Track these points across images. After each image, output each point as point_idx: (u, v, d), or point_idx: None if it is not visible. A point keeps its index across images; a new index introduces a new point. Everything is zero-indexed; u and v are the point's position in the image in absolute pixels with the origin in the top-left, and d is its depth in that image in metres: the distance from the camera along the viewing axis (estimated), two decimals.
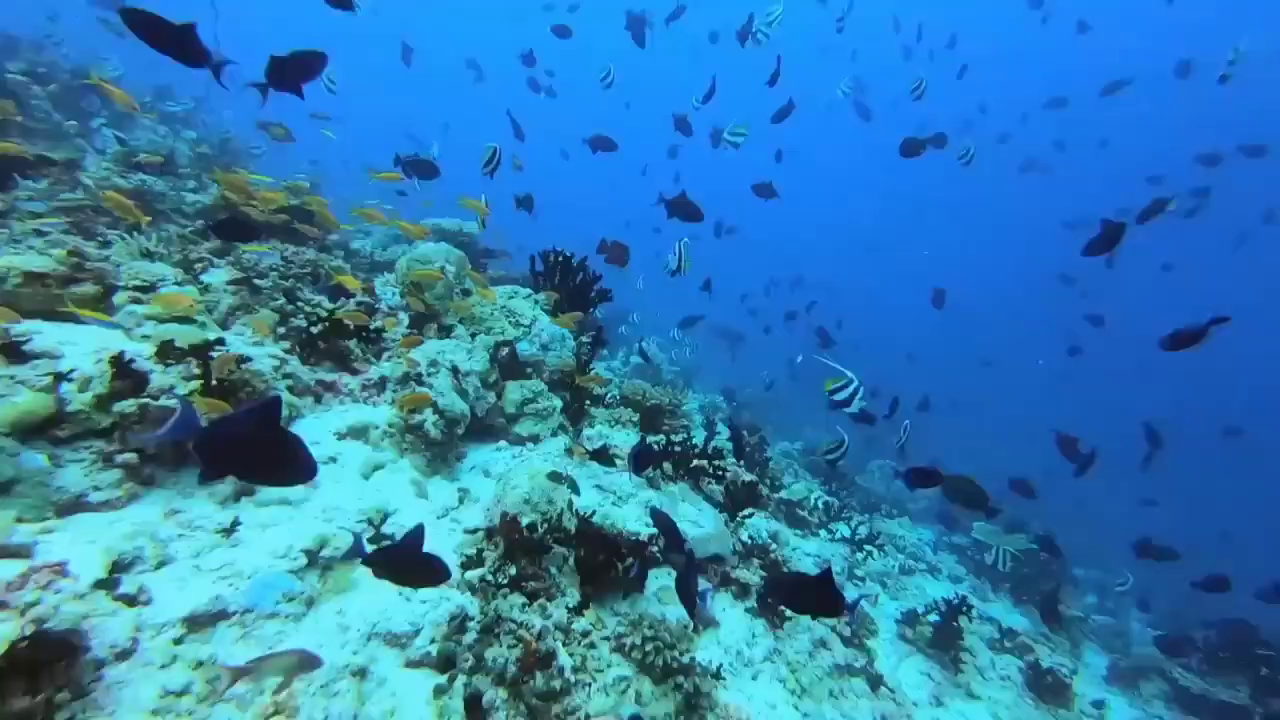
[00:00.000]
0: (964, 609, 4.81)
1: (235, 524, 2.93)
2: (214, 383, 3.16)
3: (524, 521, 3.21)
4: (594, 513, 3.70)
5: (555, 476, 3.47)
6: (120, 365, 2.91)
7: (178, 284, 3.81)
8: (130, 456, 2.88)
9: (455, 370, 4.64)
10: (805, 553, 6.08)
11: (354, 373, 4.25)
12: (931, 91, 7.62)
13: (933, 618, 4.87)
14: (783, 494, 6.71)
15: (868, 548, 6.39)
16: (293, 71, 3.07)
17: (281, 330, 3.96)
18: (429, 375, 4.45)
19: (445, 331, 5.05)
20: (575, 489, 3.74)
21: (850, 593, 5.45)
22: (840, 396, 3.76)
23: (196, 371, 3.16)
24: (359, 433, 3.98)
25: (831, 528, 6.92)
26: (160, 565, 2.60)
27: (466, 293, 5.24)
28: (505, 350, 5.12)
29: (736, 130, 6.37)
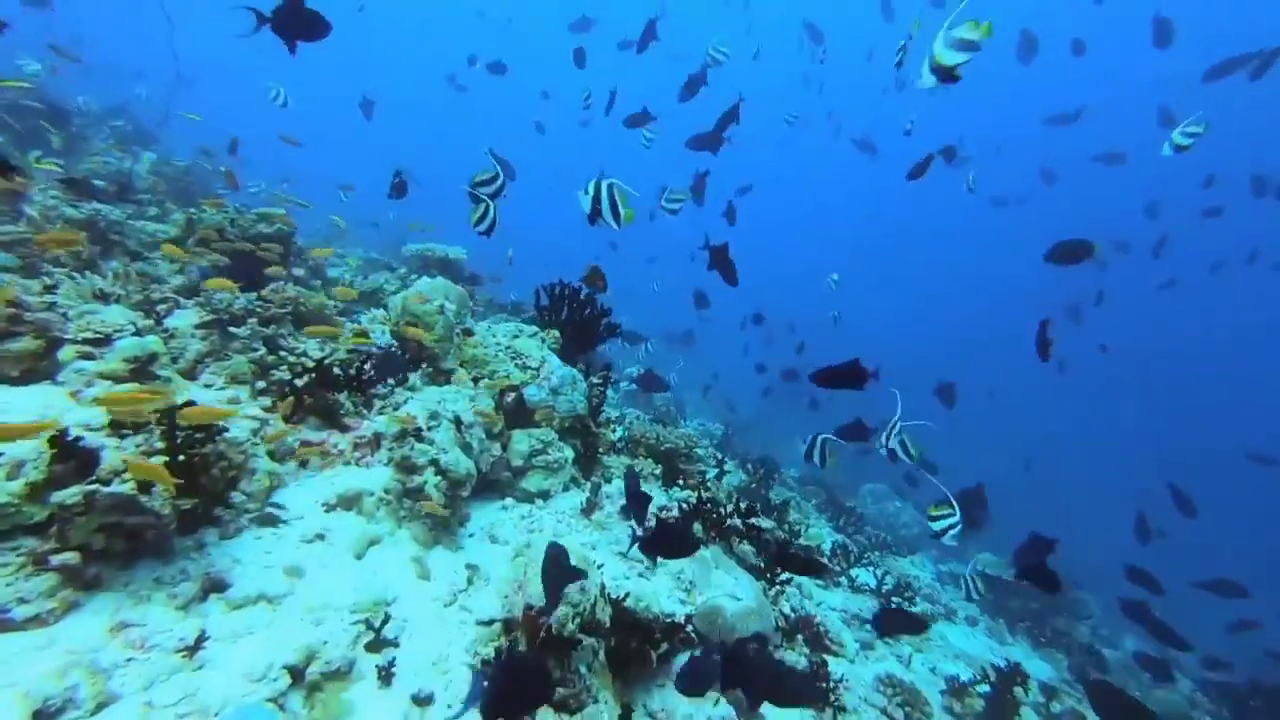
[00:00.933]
0: (1018, 679, 4.42)
1: (201, 638, 2.38)
2: (180, 457, 2.62)
3: (553, 618, 2.72)
4: (626, 595, 3.22)
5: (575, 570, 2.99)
6: (61, 444, 2.36)
7: (138, 332, 3.27)
8: (70, 557, 2.32)
9: (458, 422, 4.14)
10: (831, 607, 5.64)
11: (344, 429, 3.72)
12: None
13: (982, 689, 4.46)
14: (801, 540, 6.28)
15: (896, 600, 5.97)
16: (299, 23, 2.95)
17: (261, 385, 3.43)
18: (429, 429, 3.94)
19: (445, 376, 4.55)
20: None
21: (889, 660, 5.01)
22: (940, 526, 3.39)
23: (160, 444, 2.62)
24: (350, 502, 3.44)
25: (851, 574, 6.50)
26: (100, 708, 2.04)
27: (468, 332, 4.76)
28: (511, 396, 4.64)
29: (674, 196, 5.78)
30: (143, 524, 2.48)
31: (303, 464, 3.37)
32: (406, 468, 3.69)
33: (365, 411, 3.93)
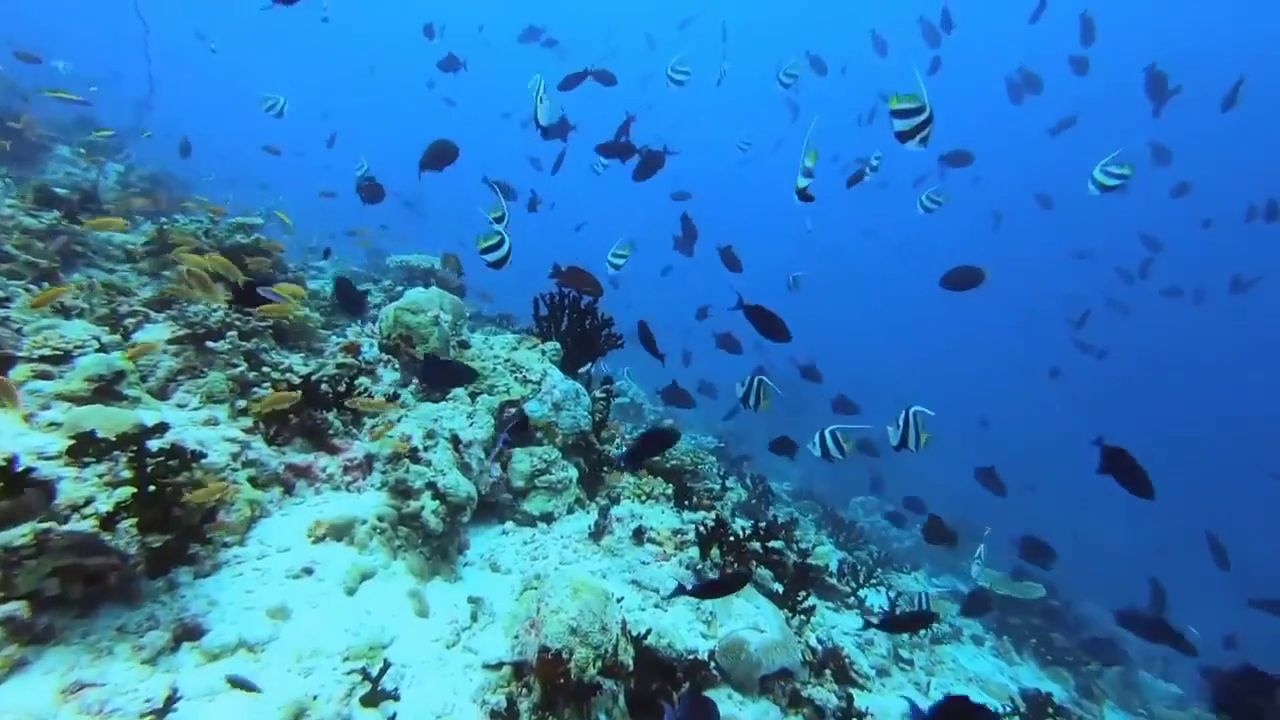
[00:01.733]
0: (1051, 709, 4.22)
1: (171, 698, 2.06)
2: (151, 487, 2.31)
3: (573, 663, 2.44)
4: (648, 632, 2.95)
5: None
6: (9, 475, 2.05)
7: (102, 349, 2.95)
8: (15, 608, 2.00)
9: (456, 440, 3.85)
10: (844, 631, 5.40)
11: (333, 451, 3.41)
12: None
13: None
14: (811, 560, 6.05)
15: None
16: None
17: (241, 404, 3.12)
18: (426, 449, 3.65)
19: (440, 392, 4.26)
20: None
21: (907, 688, 4.78)
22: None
23: (127, 474, 2.31)
24: (341, 531, 3.13)
25: (860, 594, 6.28)
26: None
27: (464, 344, 4.48)
28: (512, 412, 4.36)
29: (618, 252, 5.64)
30: (105, 566, 2.16)
31: (287, 490, 3.06)
32: (401, 492, 3.40)
33: (356, 431, 3.63)
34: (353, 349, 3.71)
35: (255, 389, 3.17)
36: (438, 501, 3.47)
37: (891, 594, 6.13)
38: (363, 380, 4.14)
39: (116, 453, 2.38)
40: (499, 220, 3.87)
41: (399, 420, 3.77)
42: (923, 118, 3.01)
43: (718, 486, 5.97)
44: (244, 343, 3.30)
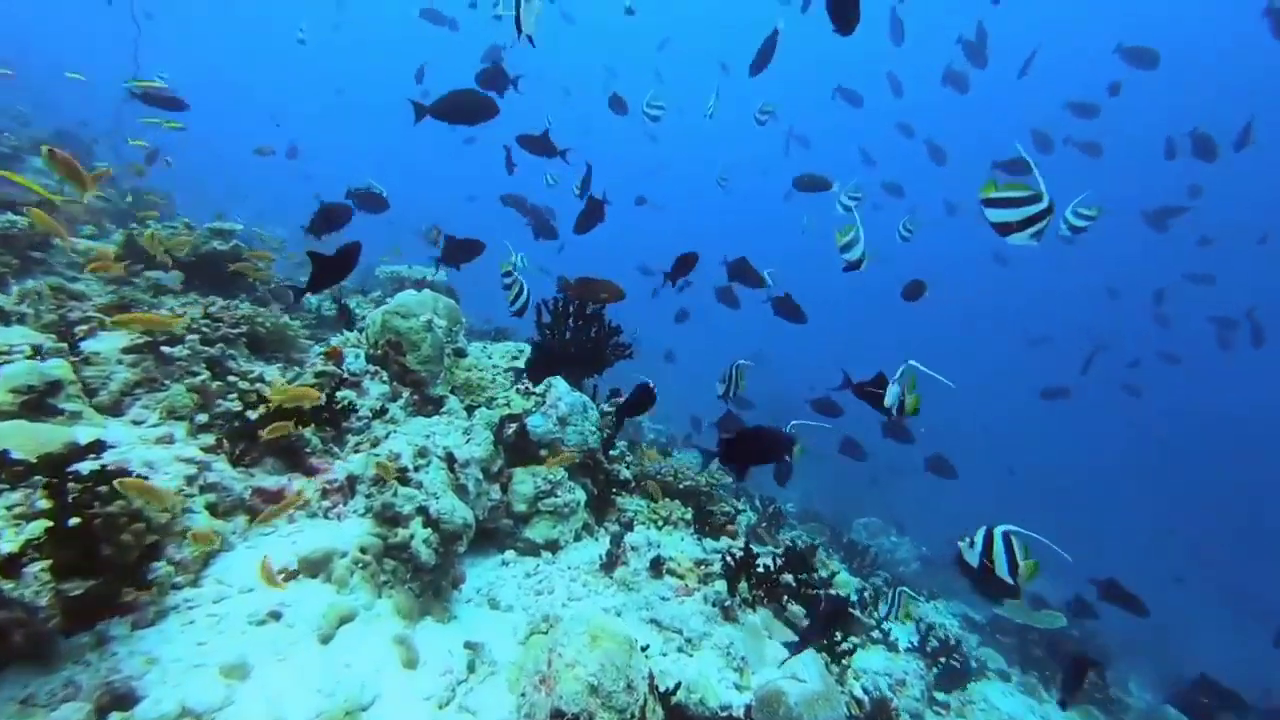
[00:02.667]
0: None
1: None
2: (73, 522, 1.87)
3: None
4: (678, 686, 2.51)
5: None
6: None
7: (37, 356, 2.52)
8: None
9: (451, 459, 3.42)
10: (875, 672, 4.93)
11: (310, 472, 2.97)
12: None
13: None
14: (834, 590, 5.60)
15: (945, 660, 5.31)
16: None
17: (203, 419, 2.68)
18: (416, 470, 3.22)
19: (434, 405, 3.84)
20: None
21: None
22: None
23: (45, 504, 1.87)
24: (316, 566, 2.68)
25: (885, 628, 5.82)
26: None
27: (460, 353, 4.07)
28: (513, 427, 3.94)
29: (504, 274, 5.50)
30: (8, 621, 1.72)
31: (255, 519, 2.61)
32: (388, 519, 2.96)
33: (337, 449, 3.19)
34: (334, 355, 3.29)
35: (220, 402, 2.74)
36: (430, 529, 3.03)
37: (921, 626, 5.67)
38: (346, 394, 3.71)
39: (38, 477, 1.94)
40: (508, 275, 3.94)
41: (387, 436, 3.35)
42: (1039, 208, 2.43)
43: (733, 510, 5.55)
44: (206, 349, 2.88)
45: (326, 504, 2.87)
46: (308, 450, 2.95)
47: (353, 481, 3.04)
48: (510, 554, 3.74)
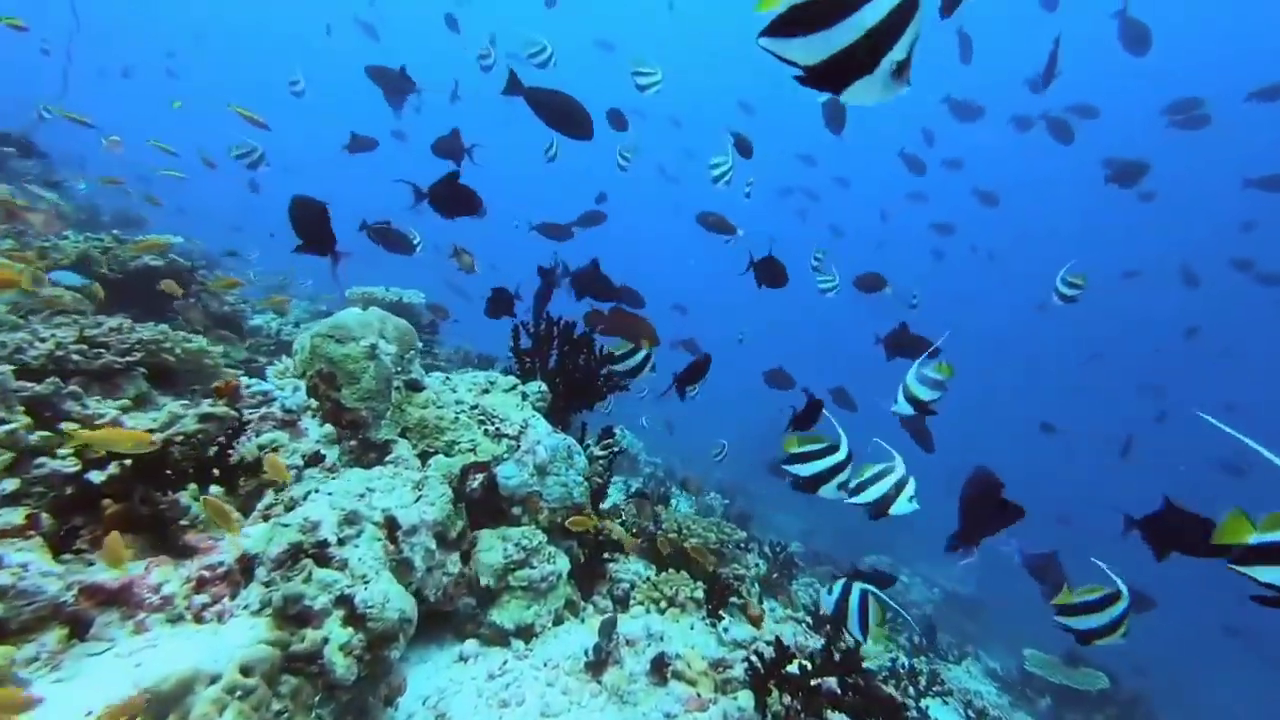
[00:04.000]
0: None
1: None
2: None
3: None
4: None
5: None
6: None
7: None
8: None
9: (392, 525, 2.62)
10: None
11: (184, 554, 2.15)
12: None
13: None
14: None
15: None
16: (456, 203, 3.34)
17: (10, 486, 1.86)
18: (341, 543, 2.41)
19: (377, 452, 3.04)
20: None
21: None
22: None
23: None
24: (168, 703, 1.85)
25: (923, 705, 4.96)
26: None
27: (415, 386, 3.29)
28: (478, 479, 3.14)
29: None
30: None
31: (77, 633, 1.79)
32: (293, 617, 2.14)
33: (238, 517, 2.37)
34: (227, 391, 2.50)
35: (44, 461, 1.93)
36: (351, 629, 2.21)
37: (965, 710, 4.82)
38: (272, 435, 2.92)
39: None
40: None
41: (305, 498, 2.54)
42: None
43: (748, 569, 4.72)
44: (30, 384, 2.07)
45: (202, 600, 2.04)
46: (184, 523, 2.14)
47: (248, 564, 2.22)
48: (471, 644, 2.90)
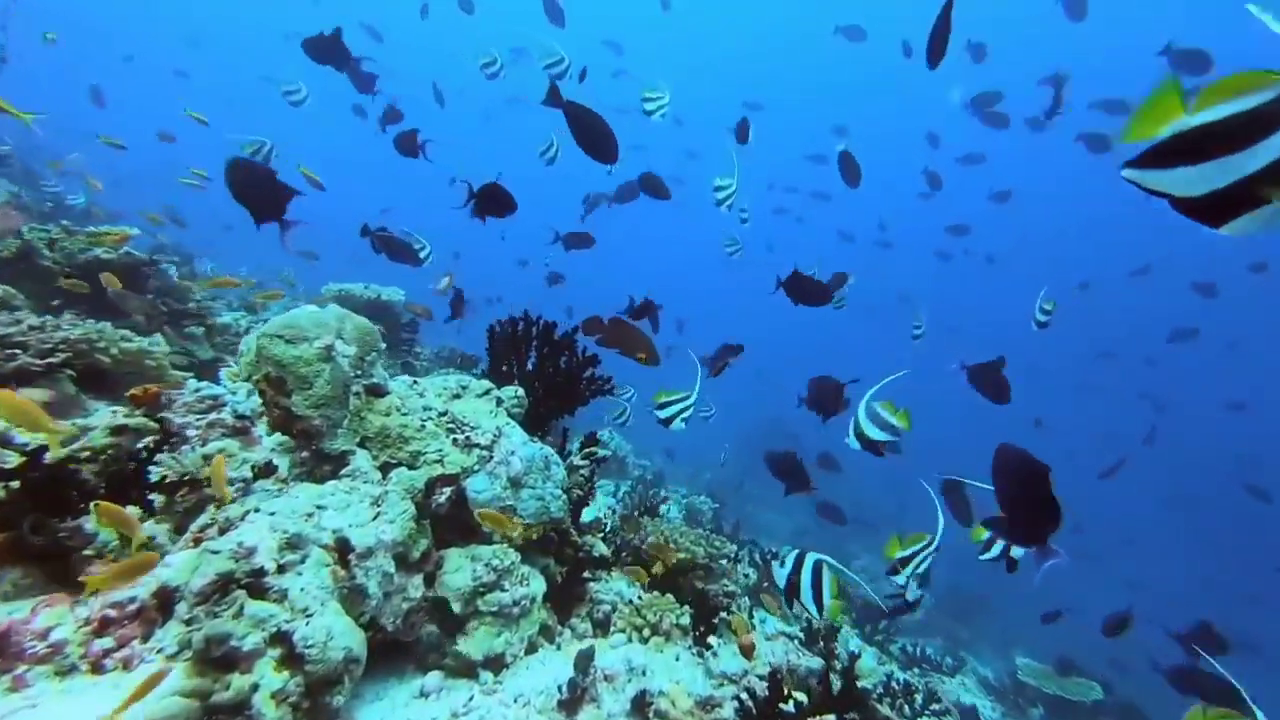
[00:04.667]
0: None
1: None
2: None
3: None
4: None
5: None
6: None
7: None
8: None
9: (344, 549, 2.34)
10: None
11: (80, 592, 1.87)
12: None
13: None
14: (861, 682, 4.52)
15: None
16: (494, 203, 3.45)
17: None
18: (281, 570, 2.13)
19: (332, 464, 2.76)
20: None
21: None
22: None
23: None
24: None
25: None
26: None
27: (377, 391, 3.00)
28: (445, 493, 2.86)
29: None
30: None
31: None
32: (217, 661, 1.86)
33: (156, 543, 2.09)
34: (147, 399, 2.21)
35: None
36: (287, 673, 1.94)
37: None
38: (220, 444, 2.63)
39: None
40: None
41: (243, 518, 2.26)
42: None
43: (738, 585, 4.47)
44: None
45: (103, 645, 1.76)
46: (88, 554, 1.85)
47: (167, 599, 1.94)
48: (434, 677, 2.63)
